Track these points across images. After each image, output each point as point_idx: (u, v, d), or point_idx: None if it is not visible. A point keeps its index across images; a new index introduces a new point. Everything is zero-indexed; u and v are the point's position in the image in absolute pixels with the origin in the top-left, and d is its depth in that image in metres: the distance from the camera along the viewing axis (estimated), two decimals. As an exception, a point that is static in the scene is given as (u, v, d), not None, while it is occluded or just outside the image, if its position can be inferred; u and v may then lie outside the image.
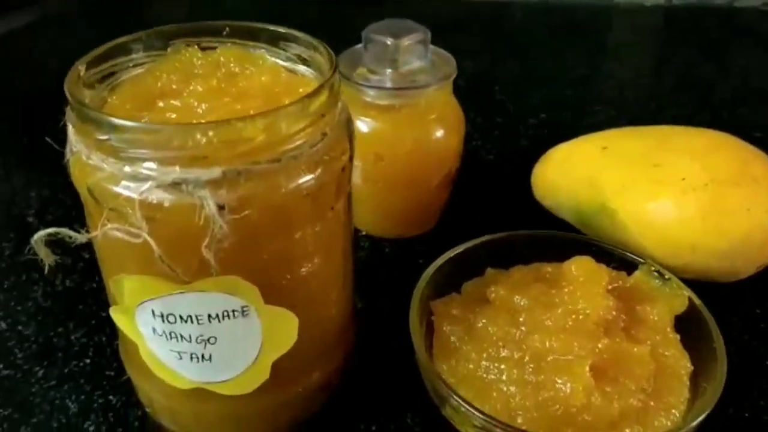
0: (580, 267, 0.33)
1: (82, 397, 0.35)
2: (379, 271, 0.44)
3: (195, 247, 0.25)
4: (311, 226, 0.27)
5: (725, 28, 0.84)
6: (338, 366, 0.33)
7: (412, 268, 0.37)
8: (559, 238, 0.38)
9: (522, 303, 0.32)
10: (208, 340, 0.27)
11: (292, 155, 0.25)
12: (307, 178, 0.26)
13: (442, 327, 0.33)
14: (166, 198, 0.24)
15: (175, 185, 0.24)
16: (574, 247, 0.37)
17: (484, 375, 0.31)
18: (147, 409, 0.33)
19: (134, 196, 0.24)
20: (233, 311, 0.27)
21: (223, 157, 0.24)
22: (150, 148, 0.24)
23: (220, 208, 0.24)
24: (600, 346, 0.30)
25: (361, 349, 0.37)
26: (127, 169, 0.24)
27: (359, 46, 0.43)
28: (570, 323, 0.31)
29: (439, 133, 0.43)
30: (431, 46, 0.42)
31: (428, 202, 0.45)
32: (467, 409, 0.28)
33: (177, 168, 0.24)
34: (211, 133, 0.24)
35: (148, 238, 0.24)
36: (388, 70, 0.41)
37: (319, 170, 0.26)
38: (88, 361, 0.37)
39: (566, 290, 0.32)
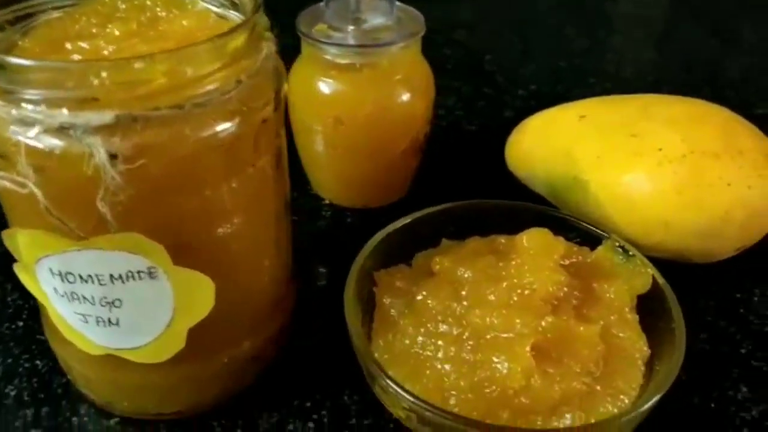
0: (532, 239, 0.30)
1: (9, 360, 0.33)
2: (339, 242, 0.42)
3: (90, 200, 0.23)
4: (226, 183, 0.25)
5: (735, 3, 0.80)
6: (271, 337, 0.31)
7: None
8: (523, 209, 0.36)
9: (466, 275, 0.30)
10: (113, 302, 0.25)
11: (197, 102, 0.23)
12: (217, 129, 0.24)
13: (382, 299, 0.31)
14: (55, 145, 0.22)
15: (62, 130, 0.22)
16: (539, 219, 0.34)
17: (420, 351, 0.28)
18: (68, 377, 0.31)
19: (21, 140, 0.22)
20: (138, 272, 0.25)
21: (117, 101, 0.22)
22: (37, 88, 0.22)
23: (113, 157, 0.22)
24: (544, 324, 0.27)
25: (307, 321, 0.35)
26: (14, 112, 0.22)
27: (322, 3, 0.40)
28: (515, 298, 0.28)
29: (405, 96, 0.40)
30: (398, 3, 0.40)
31: (394, 170, 0.43)
32: (395, 389, 0.26)
33: (65, 111, 0.22)
34: (104, 74, 0.22)
35: (34, 189, 0.22)
36: (350, 27, 0.39)
37: (233, 121, 0.24)
38: (20, 323, 0.35)
39: (513, 263, 0.29)
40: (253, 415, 0.31)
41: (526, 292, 0.28)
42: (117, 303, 0.25)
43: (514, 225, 0.34)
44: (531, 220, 0.34)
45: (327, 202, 0.44)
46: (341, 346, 0.32)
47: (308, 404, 0.32)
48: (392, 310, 0.30)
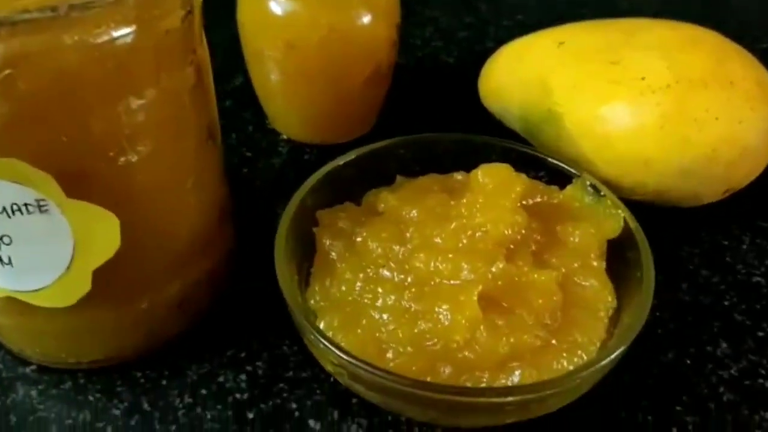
0: (488, 174, 0.27)
1: None
2: (295, 180, 0.38)
3: (-44, 120, 0.19)
4: (122, 105, 0.22)
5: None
6: (199, 282, 0.28)
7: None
8: (489, 144, 0.32)
9: (411, 215, 0.26)
10: (1, 239, 0.22)
11: (76, 4, 0.19)
12: (104, 39, 0.20)
13: (323, 240, 0.28)
14: None
15: None
16: (506, 155, 0.31)
17: (357, 299, 0.25)
18: (-19, 321, 0.29)
19: None
20: (26, 205, 0.22)
21: (-23, 1, 0.18)
22: None
23: (-26, 67, 0.19)
24: (494, 270, 0.24)
25: (253, 265, 0.32)
26: None
27: None
28: (464, 241, 0.25)
29: (365, 18, 0.36)
30: None
31: (356, 102, 0.39)
32: (324, 343, 0.23)
33: None
34: (-41, -32, 0.18)
35: None
36: (303, -62, 0.34)
37: (124, 30, 0.21)
38: (-62, 264, 0.32)
39: (465, 201, 0.26)
40: (181, 366, 0.28)
41: (478, 234, 0.25)
42: (6, 239, 0.22)
43: (479, 161, 0.30)
44: (498, 157, 0.31)
45: (284, 137, 0.41)
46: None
47: (243, 354, 0.29)
48: (332, 253, 0.27)
